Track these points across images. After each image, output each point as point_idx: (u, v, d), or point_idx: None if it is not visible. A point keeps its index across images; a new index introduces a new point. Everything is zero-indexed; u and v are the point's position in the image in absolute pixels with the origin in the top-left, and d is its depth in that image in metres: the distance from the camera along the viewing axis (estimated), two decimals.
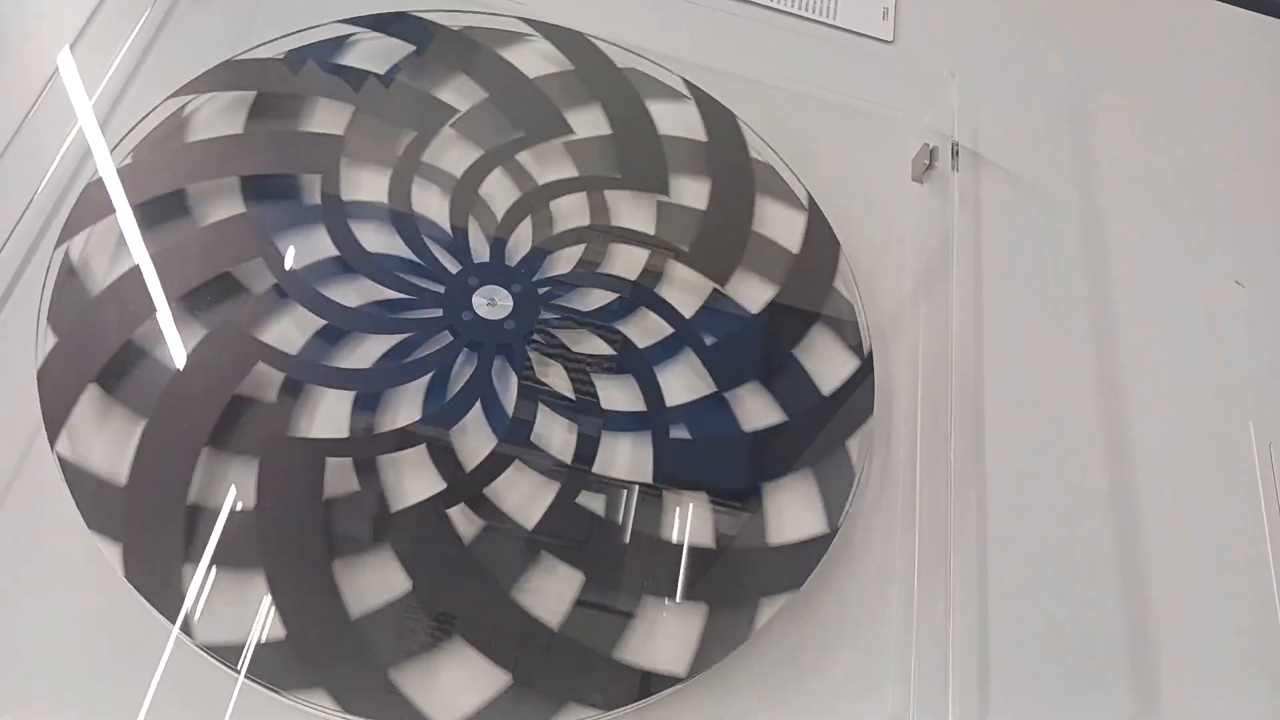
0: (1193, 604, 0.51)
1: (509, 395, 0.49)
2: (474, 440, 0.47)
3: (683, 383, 0.51)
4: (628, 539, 0.47)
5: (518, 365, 0.50)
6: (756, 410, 0.51)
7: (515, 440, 0.48)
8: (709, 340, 0.53)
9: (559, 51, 0.60)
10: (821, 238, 0.57)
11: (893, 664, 0.47)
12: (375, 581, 0.43)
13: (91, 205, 0.49)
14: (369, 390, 0.48)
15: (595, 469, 0.48)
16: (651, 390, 0.50)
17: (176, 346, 0.47)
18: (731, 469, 0.50)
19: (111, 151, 0.50)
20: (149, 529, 0.43)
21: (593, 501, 0.47)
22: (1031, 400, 0.55)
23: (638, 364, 0.51)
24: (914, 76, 0.64)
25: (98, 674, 0.40)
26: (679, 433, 0.50)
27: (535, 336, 0.51)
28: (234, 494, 0.44)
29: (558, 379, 0.50)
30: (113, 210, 0.49)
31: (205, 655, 0.40)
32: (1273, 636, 0.51)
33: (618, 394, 0.50)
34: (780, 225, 0.57)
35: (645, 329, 0.52)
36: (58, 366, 0.45)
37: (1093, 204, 0.63)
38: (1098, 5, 0.73)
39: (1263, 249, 0.64)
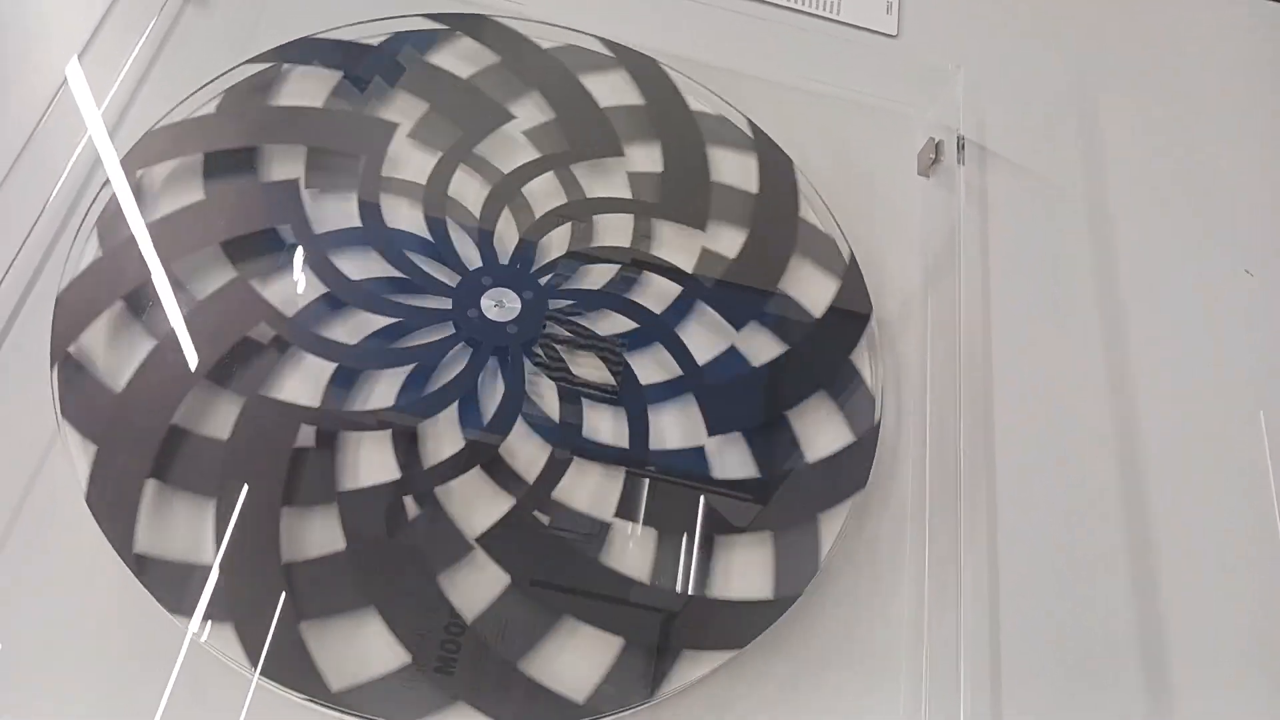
0: (1205, 598, 0.51)
1: (492, 397, 0.49)
2: (444, 430, 0.48)
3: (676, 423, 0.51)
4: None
5: (508, 372, 0.50)
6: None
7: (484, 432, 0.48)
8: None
9: (633, 80, 0.60)
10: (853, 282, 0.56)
11: (903, 661, 0.47)
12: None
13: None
14: (348, 366, 0.49)
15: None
16: (639, 431, 0.50)
17: (173, 308, 0.48)
18: None
19: (121, 161, 0.51)
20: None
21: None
22: (1040, 392, 0.55)
23: (633, 400, 0.50)
24: (918, 70, 0.64)
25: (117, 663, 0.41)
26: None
27: (537, 349, 0.51)
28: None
29: (549, 394, 0.50)
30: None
31: (219, 655, 0.41)
32: None
33: (602, 424, 0.50)
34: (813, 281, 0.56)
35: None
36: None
37: (1099, 195, 0.63)
38: None
39: (1272, 237, 0.63)
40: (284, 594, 0.43)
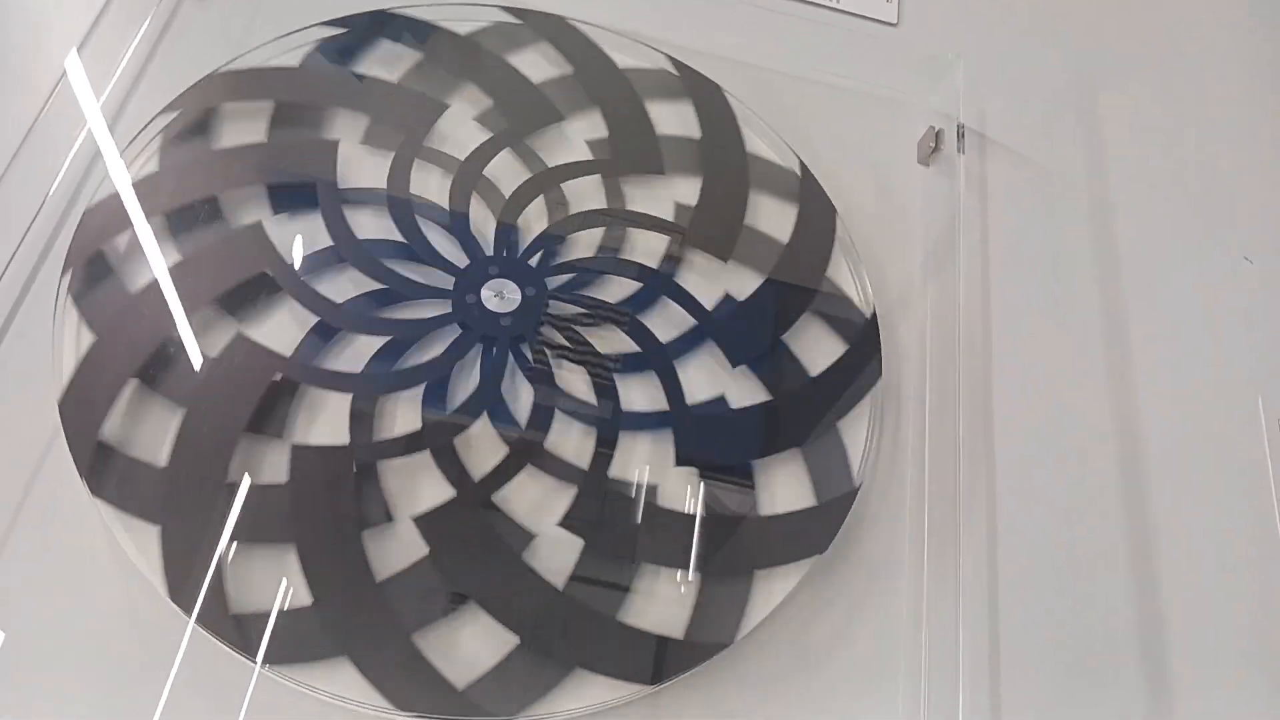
0: (1205, 595, 0.51)
1: (468, 380, 0.49)
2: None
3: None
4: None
5: (487, 363, 0.50)
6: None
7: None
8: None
9: (559, 53, 0.60)
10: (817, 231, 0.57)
11: (902, 659, 0.47)
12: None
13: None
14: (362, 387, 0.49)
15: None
16: (674, 389, 0.51)
17: (193, 347, 0.48)
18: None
19: (121, 153, 0.51)
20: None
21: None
22: (1040, 380, 0.55)
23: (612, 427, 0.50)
24: (919, 59, 0.64)
25: (119, 659, 0.41)
26: None
27: (523, 347, 0.51)
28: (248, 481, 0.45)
29: (525, 393, 0.50)
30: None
31: (224, 646, 0.41)
32: None
33: (568, 444, 0.49)
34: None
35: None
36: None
37: (1099, 183, 0.62)
38: None
39: (1272, 225, 0.63)
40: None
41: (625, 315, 0.52)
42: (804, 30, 0.65)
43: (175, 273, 0.49)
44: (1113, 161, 0.63)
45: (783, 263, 0.55)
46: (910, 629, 0.47)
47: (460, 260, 0.52)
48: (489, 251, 0.53)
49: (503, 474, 0.47)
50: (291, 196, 0.53)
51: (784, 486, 0.49)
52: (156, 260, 0.49)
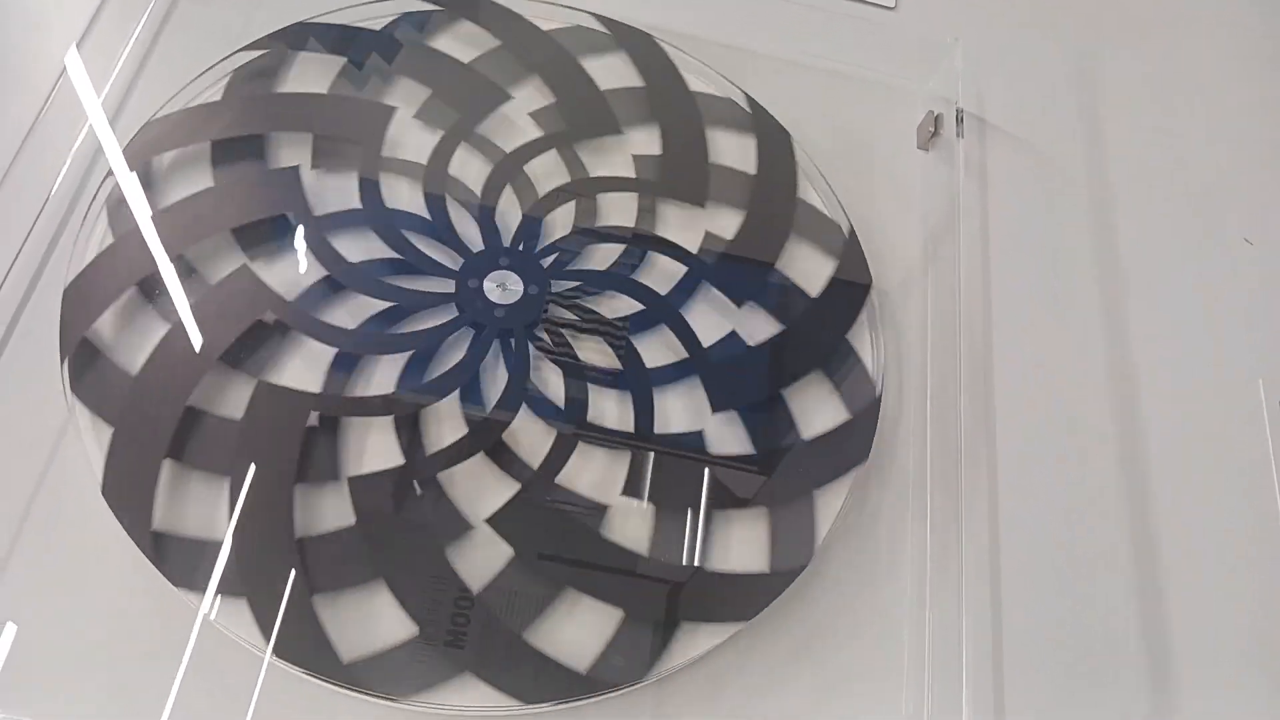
0: (1208, 586, 0.51)
1: (449, 353, 0.50)
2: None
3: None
4: None
5: (472, 349, 0.50)
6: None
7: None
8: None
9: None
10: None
11: (906, 650, 0.47)
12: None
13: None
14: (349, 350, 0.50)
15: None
16: (644, 411, 0.50)
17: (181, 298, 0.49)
18: None
19: (123, 149, 0.51)
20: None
21: None
22: (1040, 364, 0.55)
23: (639, 382, 0.51)
24: (917, 43, 0.64)
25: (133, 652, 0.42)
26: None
27: (542, 333, 0.51)
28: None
29: (555, 378, 0.50)
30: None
31: (234, 636, 0.42)
32: None
33: (608, 407, 0.50)
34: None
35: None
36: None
37: (1099, 167, 0.62)
38: None
39: (1272, 206, 0.63)
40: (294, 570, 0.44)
41: (623, 327, 0.52)
42: (803, 16, 0.64)
43: (199, 197, 0.51)
44: (1112, 144, 0.63)
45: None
46: (913, 626, 0.47)
47: (450, 260, 0.52)
48: (475, 246, 0.53)
49: (560, 456, 0.48)
50: (333, 152, 0.54)
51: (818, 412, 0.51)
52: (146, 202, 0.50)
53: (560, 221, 0.55)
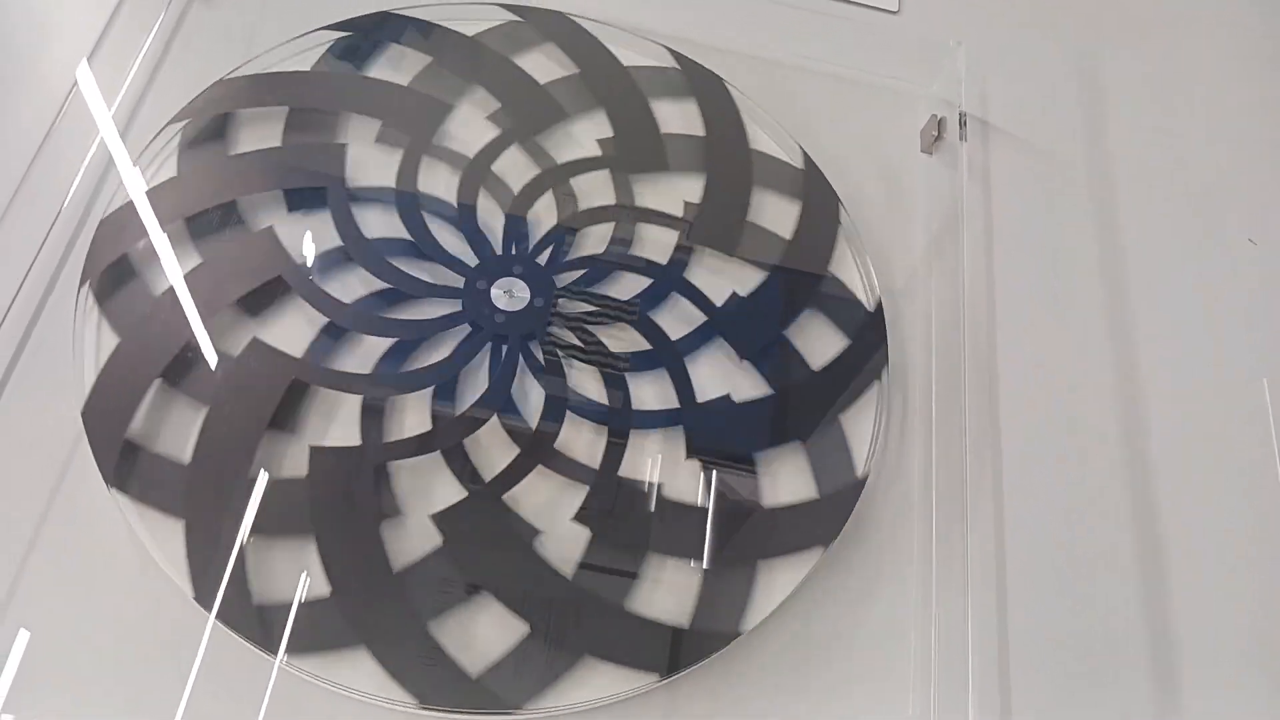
0: (1211, 586, 0.51)
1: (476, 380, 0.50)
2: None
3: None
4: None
5: (497, 363, 0.50)
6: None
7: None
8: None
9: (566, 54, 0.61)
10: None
11: (912, 650, 0.47)
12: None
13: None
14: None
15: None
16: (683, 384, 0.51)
17: (208, 345, 0.49)
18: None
19: (135, 161, 0.52)
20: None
21: None
22: (1045, 366, 0.55)
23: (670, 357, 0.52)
24: (920, 47, 0.64)
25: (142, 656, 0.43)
26: None
27: (532, 345, 0.51)
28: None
29: (536, 393, 0.50)
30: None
31: (244, 641, 0.42)
32: None
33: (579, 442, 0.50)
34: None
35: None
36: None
37: (1102, 168, 0.63)
38: None
39: (1272, 206, 0.63)
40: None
41: (634, 308, 0.53)
42: (805, 20, 0.65)
43: (193, 276, 0.50)
44: (1115, 145, 0.64)
45: (788, 256, 0.56)
46: (919, 624, 0.48)
47: (467, 256, 0.53)
48: (497, 247, 0.54)
49: (514, 474, 0.48)
50: (304, 198, 0.54)
51: (788, 480, 0.50)
52: (172, 266, 0.50)
53: (593, 240, 0.55)
